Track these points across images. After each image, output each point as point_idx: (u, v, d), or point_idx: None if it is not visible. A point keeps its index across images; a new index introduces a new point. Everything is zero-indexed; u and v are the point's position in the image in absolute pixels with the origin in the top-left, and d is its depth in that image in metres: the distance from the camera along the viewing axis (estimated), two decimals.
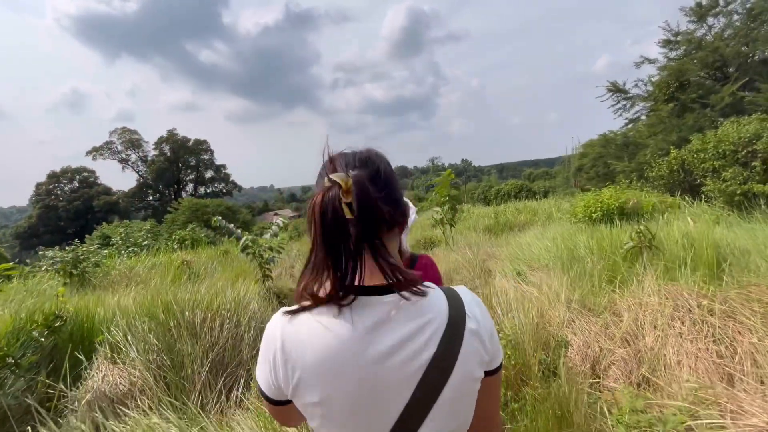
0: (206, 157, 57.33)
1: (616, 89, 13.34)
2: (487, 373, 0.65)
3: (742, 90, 9.33)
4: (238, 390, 2.76)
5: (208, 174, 58.38)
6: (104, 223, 18.29)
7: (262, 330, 1.53)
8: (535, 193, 24.98)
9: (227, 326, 3.20)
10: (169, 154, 52.95)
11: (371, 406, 0.59)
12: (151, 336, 2.91)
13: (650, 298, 2.55)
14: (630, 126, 13.20)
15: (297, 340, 0.60)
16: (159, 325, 3.05)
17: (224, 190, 58.60)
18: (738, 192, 6.78)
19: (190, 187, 57.63)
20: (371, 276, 0.61)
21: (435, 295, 0.63)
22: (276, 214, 58.17)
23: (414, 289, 0.61)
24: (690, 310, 2.30)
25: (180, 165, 55.20)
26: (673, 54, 11.79)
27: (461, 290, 0.68)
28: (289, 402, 0.65)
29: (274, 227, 5.09)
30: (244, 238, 4.48)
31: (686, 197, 7.51)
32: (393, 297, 0.60)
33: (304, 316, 0.62)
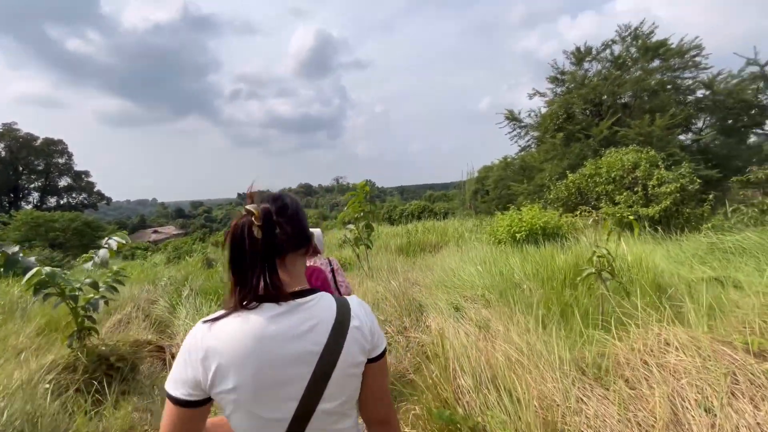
0: (61, 161, 46.71)
1: (512, 118, 14.36)
2: (370, 360, 0.83)
3: (615, 125, 10.61)
4: None
5: (64, 182, 47.42)
6: None
7: None
8: (437, 213, 25.90)
9: None
10: (3, 153, 41.54)
11: (276, 387, 0.73)
12: None
13: (676, 357, 1.78)
14: (523, 152, 14.26)
15: (214, 337, 0.73)
16: None
17: (86, 202, 48.13)
18: (627, 215, 7.11)
19: (34, 196, 45.95)
20: (283, 284, 0.78)
21: (325, 301, 0.82)
22: (156, 231, 49.83)
23: (302, 298, 0.80)
24: (753, 377, 1.56)
25: (20, 168, 43.71)
26: (559, 90, 13.18)
27: (351, 298, 0.87)
28: (203, 402, 0.74)
29: (101, 252, 3.23)
30: (31, 272, 2.60)
31: (581, 216, 7.80)
32: (292, 302, 0.78)
33: (220, 321, 0.76)
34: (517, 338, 2.31)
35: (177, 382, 0.74)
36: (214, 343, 0.72)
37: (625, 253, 4.24)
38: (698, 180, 7.41)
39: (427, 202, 33.51)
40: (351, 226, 5.67)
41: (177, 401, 0.73)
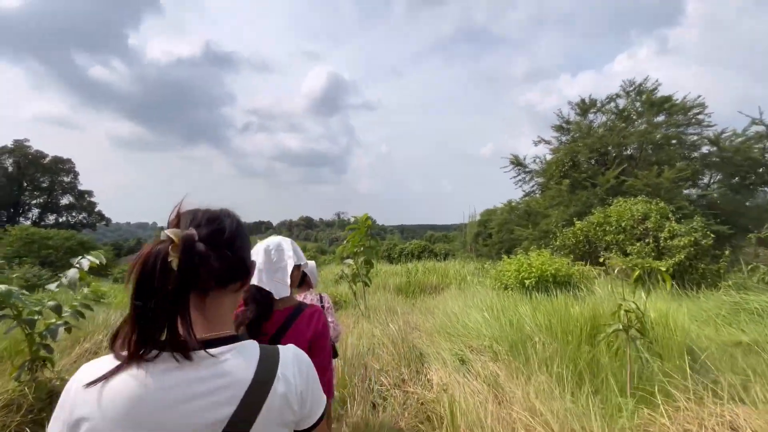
0: (67, 179, 47.03)
1: (517, 163, 14.42)
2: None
3: (621, 175, 10.56)
4: None
5: (66, 200, 47.45)
6: None
7: None
8: (437, 254, 25.52)
9: None
10: (11, 169, 41.94)
11: None
12: None
13: None
14: (527, 198, 14.16)
15: (89, 401, 0.57)
16: None
17: (84, 222, 47.83)
18: (639, 267, 6.78)
19: (34, 212, 45.79)
20: (196, 326, 0.61)
21: (245, 354, 0.64)
22: None
23: (216, 348, 0.62)
24: None
25: (25, 184, 43.93)
26: (564, 138, 13.32)
27: (285, 350, 0.70)
28: None
29: (70, 272, 2.90)
30: None
31: (591, 266, 7.46)
32: (200, 352, 0.60)
33: (101, 382, 0.58)
34: (540, 405, 1.93)
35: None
36: (87, 411, 0.57)
37: (647, 309, 3.89)
38: (711, 235, 7.16)
39: (427, 242, 33.15)
40: (349, 261, 5.34)
41: None
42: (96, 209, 49.05)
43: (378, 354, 3.71)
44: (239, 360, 0.63)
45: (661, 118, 11.59)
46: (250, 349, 0.66)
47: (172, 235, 0.59)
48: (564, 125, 13.13)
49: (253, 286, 1.21)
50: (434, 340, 3.95)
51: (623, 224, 7.81)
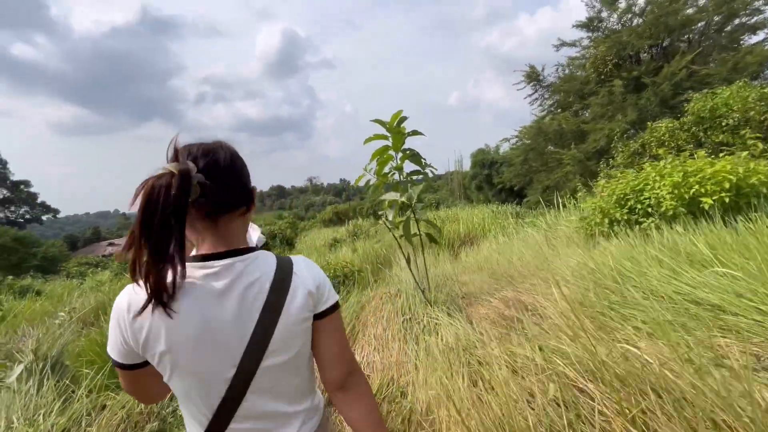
0: None
1: (534, 77, 11.63)
2: (316, 316, 0.78)
3: (691, 63, 8.03)
4: None
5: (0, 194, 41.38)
6: None
7: None
8: (428, 205, 23.27)
9: None
10: None
11: (213, 346, 0.68)
12: None
13: None
14: (548, 117, 11.55)
15: (140, 299, 0.66)
16: None
17: (27, 216, 42.25)
18: None
19: None
20: (214, 245, 0.72)
21: (264, 258, 0.76)
22: (111, 244, 44.60)
23: (238, 256, 0.73)
24: None
25: None
26: (594, 35, 10.50)
27: (296, 257, 0.81)
28: (143, 365, 0.72)
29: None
30: None
31: None
32: (227, 260, 0.71)
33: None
34: None
35: (112, 347, 0.72)
36: (140, 305, 0.66)
37: None
38: None
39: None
40: (392, 195, 2.58)
41: (118, 365, 0.73)
42: (38, 200, 43.25)
43: None
44: (261, 261, 0.75)
45: None
46: (267, 255, 0.78)
47: (171, 168, 0.62)
48: (595, 15, 10.16)
49: None
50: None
51: (750, 114, 5.34)
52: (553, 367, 1.45)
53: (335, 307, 0.80)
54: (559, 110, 11.64)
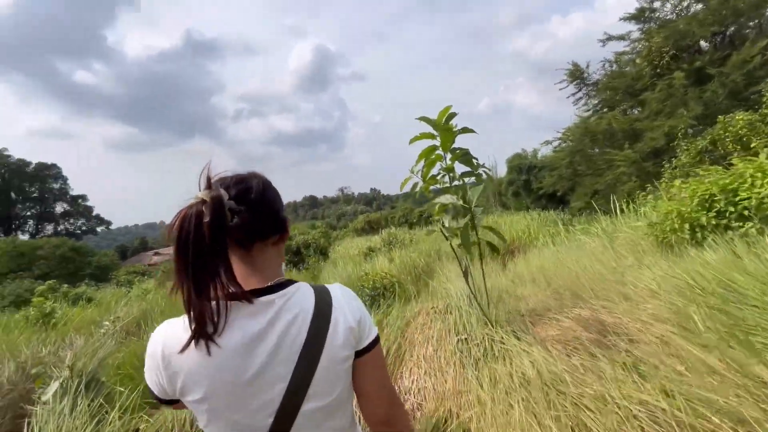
0: (56, 186, 44.33)
1: (577, 75, 10.95)
2: (358, 353, 0.74)
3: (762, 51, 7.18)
4: None
5: (60, 207, 44.97)
6: None
7: None
8: (486, 209, 22.47)
9: None
10: None
11: (252, 392, 0.65)
12: None
13: None
14: (594, 116, 10.79)
15: (177, 338, 0.64)
16: None
17: (83, 228, 45.52)
18: None
19: (30, 224, 43.56)
20: (246, 280, 0.68)
21: (302, 292, 0.72)
22: (156, 253, 47.03)
23: (274, 293, 0.69)
24: None
25: (13, 196, 41.36)
26: (646, 27, 9.74)
27: (332, 287, 0.77)
28: (179, 400, 0.70)
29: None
30: None
31: None
32: (263, 298, 0.68)
33: (181, 324, 0.66)
34: None
35: (150, 384, 0.71)
36: (175, 353, 0.65)
37: None
38: None
39: None
40: (448, 197, 2.28)
41: (158, 399, 0.72)
42: (94, 213, 46.56)
43: None
44: (299, 297, 0.71)
45: None
46: (304, 288, 0.74)
47: (204, 197, 0.62)
48: (649, 6, 9.40)
49: None
50: None
51: None
52: (700, 423, 1.07)
53: (376, 341, 0.77)
54: (605, 110, 10.87)
